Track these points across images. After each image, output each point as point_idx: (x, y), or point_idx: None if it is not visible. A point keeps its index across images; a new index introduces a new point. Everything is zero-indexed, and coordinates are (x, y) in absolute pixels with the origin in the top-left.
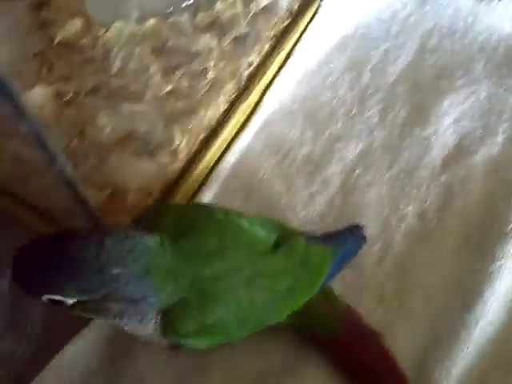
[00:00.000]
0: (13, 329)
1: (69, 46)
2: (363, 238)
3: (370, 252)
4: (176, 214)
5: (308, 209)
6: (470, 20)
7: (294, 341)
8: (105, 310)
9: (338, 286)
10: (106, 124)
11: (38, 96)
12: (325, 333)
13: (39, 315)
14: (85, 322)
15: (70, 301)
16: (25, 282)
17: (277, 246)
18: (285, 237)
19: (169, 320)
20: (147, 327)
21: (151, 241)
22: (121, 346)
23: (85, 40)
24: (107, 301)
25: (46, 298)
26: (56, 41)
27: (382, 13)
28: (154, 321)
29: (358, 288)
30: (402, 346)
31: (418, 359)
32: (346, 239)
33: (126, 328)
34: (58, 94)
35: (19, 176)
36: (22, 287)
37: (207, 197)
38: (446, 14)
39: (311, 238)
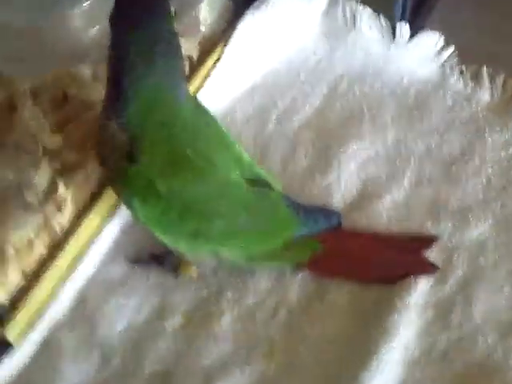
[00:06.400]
0: None
1: None
2: (339, 224)
3: (263, 306)
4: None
5: None
6: (380, 64)
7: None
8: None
9: (228, 344)
10: None
11: None
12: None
13: None
14: None
15: None
16: None
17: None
18: (265, 183)
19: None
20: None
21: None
22: None
23: None
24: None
25: None
26: None
27: (292, 59)
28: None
29: (248, 346)
30: None
31: None
32: (318, 221)
33: None
34: None
35: None
36: None
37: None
38: (356, 60)
39: (288, 199)
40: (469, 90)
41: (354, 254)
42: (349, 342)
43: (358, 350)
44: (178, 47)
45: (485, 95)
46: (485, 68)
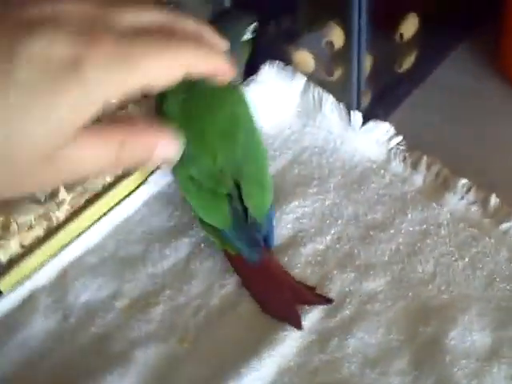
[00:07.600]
0: None
1: None
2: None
3: (189, 306)
4: None
5: None
6: (339, 142)
7: None
8: None
9: (153, 326)
10: None
11: None
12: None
13: None
14: None
15: None
16: None
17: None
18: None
19: None
20: None
21: None
22: None
23: None
24: None
25: None
26: None
27: (272, 129)
28: None
29: (168, 330)
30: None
31: None
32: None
33: None
34: None
35: None
36: None
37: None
38: (320, 136)
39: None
40: (406, 174)
41: (269, 283)
42: (244, 343)
43: (249, 350)
44: None
45: (418, 179)
46: (425, 157)
